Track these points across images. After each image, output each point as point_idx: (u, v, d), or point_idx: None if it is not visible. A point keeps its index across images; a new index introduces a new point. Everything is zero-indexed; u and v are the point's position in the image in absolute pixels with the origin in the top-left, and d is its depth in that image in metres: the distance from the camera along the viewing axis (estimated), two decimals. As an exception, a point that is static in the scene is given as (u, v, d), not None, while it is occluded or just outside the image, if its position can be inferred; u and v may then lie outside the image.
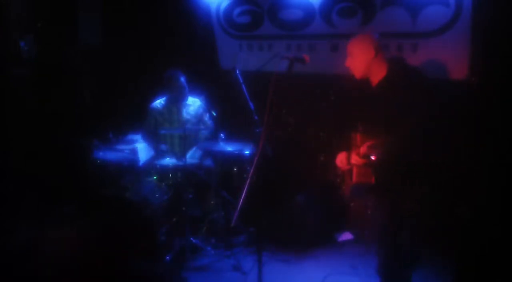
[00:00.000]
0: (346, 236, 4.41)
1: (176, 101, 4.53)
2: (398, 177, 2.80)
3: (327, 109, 4.73)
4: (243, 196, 2.52)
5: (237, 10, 4.97)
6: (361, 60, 2.91)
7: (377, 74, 2.92)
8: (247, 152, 4.29)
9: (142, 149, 4.63)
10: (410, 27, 4.00)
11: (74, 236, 3.39)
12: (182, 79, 4.41)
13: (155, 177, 4.20)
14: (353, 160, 2.86)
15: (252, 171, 2.60)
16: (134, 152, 4.46)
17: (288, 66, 2.73)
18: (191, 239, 4.03)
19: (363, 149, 2.76)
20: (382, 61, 2.91)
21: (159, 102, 4.60)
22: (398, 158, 2.74)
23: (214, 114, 4.62)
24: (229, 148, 4.27)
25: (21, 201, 4.50)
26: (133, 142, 4.62)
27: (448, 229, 3.83)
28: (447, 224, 3.84)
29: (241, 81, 3.96)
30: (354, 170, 2.95)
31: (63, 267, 3.17)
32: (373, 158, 2.76)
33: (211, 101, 4.72)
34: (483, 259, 3.36)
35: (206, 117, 4.66)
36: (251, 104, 3.85)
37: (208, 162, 4.54)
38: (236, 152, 4.29)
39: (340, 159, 3.08)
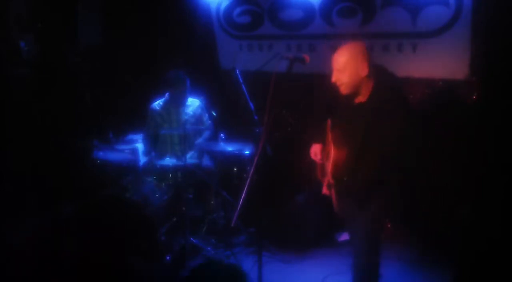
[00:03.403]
0: (346, 236, 4.40)
1: (176, 102, 4.51)
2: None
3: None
4: (243, 196, 2.53)
5: (237, 10, 4.97)
6: (352, 77, 2.64)
7: (364, 93, 2.69)
8: (247, 152, 4.29)
9: (142, 149, 4.63)
10: (410, 27, 4.00)
11: (73, 235, 3.39)
12: (185, 80, 4.40)
13: (155, 177, 4.20)
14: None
15: (252, 171, 2.60)
16: (134, 152, 4.46)
17: (288, 66, 2.72)
18: (191, 239, 4.03)
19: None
20: (371, 80, 2.66)
21: (157, 104, 4.57)
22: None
23: (214, 114, 4.62)
24: (229, 148, 4.27)
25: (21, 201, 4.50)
26: (133, 141, 4.62)
27: (449, 229, 3.83)
28: (448, 225, 3.84)
29: (241, 81, 3.96)
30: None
31: (63, 267, 3.17)
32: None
33: (211, 101, 4.72)
34: (484, 260, 3.36)
35: (205, 117, 4.64)
36: (251, 104, 3.85)
37: (208, 162, 4.54)
38: (236, 152, 4.29)
39: (314, 151, 2.94)
